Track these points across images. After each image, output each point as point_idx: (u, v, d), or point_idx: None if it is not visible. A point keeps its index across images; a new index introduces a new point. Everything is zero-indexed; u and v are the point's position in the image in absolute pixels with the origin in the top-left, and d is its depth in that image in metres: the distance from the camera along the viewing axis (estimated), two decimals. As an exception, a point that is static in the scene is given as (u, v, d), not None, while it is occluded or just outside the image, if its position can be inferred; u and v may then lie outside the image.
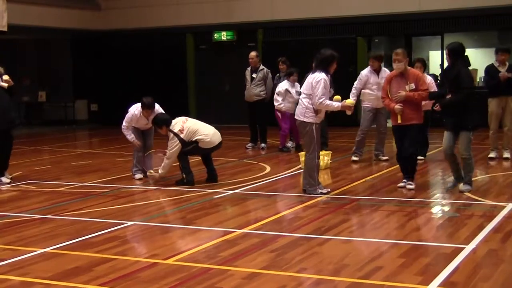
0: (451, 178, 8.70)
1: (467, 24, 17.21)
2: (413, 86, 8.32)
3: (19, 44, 21.93)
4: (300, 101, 8.42)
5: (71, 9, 20.09)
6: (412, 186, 8.50)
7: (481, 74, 17.46)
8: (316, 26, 18.37)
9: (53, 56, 22.16)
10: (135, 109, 9.85)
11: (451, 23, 17.30)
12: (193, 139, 9.18)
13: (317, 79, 8.09)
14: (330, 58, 8.21)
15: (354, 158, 11.14)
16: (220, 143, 9.45)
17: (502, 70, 10.69)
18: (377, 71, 11.13)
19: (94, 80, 21.45)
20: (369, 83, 11.12)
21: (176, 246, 6.29)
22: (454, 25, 17.32)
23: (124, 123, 9.95)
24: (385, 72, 10.95)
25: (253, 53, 13.52)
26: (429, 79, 11.06)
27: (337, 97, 8.28)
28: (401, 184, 8.61)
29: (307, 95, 8.18)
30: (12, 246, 6.25)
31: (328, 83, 8.16)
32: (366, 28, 18.14)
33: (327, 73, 8.16)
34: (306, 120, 8.18)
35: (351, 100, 8.57)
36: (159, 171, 9.40)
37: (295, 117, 8.46)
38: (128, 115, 9.88)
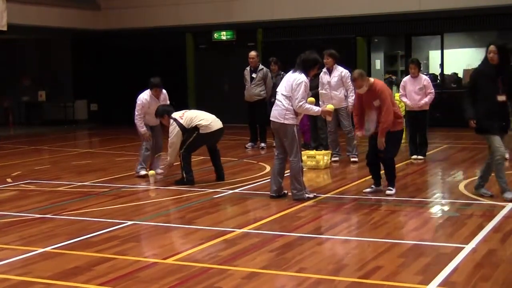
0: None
1: (467, 24, 17.22)
2: (378, 102, 8.00)
3: (19, 44, 21.93)
4: (277, 102, 7.97)
5: (71, 9, 20.09)
6: (392, 192, 8.18)
7: (480, 74, 17.50)
8: (316, 26, 18.37)
9: (53, 56, 22.16)
10: (144, 94, 9.90)
11: (451, 23, 17.31)
12: (193, 125, 9.17)
13: (298, 81, 7.77)
14: (312, 62, 7.92)
15: (334, 158, 11.09)
16: (222, 129, 9.42)
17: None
18: (330, 70, 11.01)
19: (94, 80, 21.46)
20: (322, 83, 11.09)
21: (176, 246, 6.29)
22: (454, 25, 17.34)
23: (136, 113, 9.89)
24: (338, 71, 10.90)
25: (253, 53, 13.53)
26: (426, 79, 11.07)
27: (311, 99, 8.02)
28: (368, 190, 8.30)
29: (287, 96, 7.84)
30: (12, 245, 6.25)
31: (308, 86, 7.90)
32: (366, 28, 18.15)
33: (307, 75, 7.88)
34: (286, 122, 7.83)
35: (331, 105, 8.30)
36: (168, 158, 9.41)
37: (271, 119, 8.01)
38: (138, 103, 9.86)
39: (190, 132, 9.20)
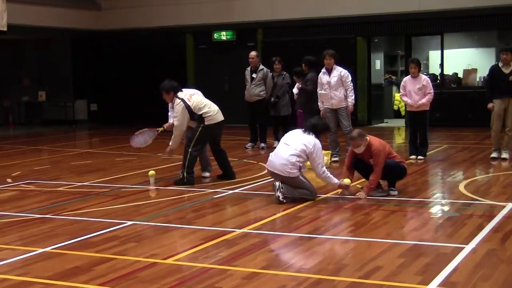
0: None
1: (467, 24, 17.22)
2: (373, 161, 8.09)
3: (19, 44, 21.93)
4: (281, 154, 7.91)
5: (71, 9, 20.10)
6: (396, 192, 8.21)
7: (480, 73, 17.52)
8: (316, 26, 18.38)
9: (53, 56, 22.15)
10: None
11: (451, 23, 17.32)
12: (200, 113, 9.07)
13: (317, 145, 7.88)
14: (323, 127, 8.23)
15: (334, 159, 11.08)
16: (224, 121, 9.38)
17: (507, 71, 10.67)
18: (329, 70, 11.01)
19: (94, 80, 21.48)
20: (322, 83, 11.10)
21: (176, 246, 6.28)
22: (454, 25, 17.34)
23: None
24: (337, 71, 10.95)
25: (253, 53, 13.53)
26: (426, 79, 11.06)
27: (347, 180, 8.12)
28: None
29: (297, 155, 7.81)
30: (12, 245, 6.25)
31: None
32: (366, 28, 18.16)
33: (318, 139, 8.00)
34: (292, 176, 7.82)
35: (348, 180, 8.28)
36: (170, 143, 9.26)
37: (273, 170, 7.98)
38: None
39: (195, 127, 9.16)
